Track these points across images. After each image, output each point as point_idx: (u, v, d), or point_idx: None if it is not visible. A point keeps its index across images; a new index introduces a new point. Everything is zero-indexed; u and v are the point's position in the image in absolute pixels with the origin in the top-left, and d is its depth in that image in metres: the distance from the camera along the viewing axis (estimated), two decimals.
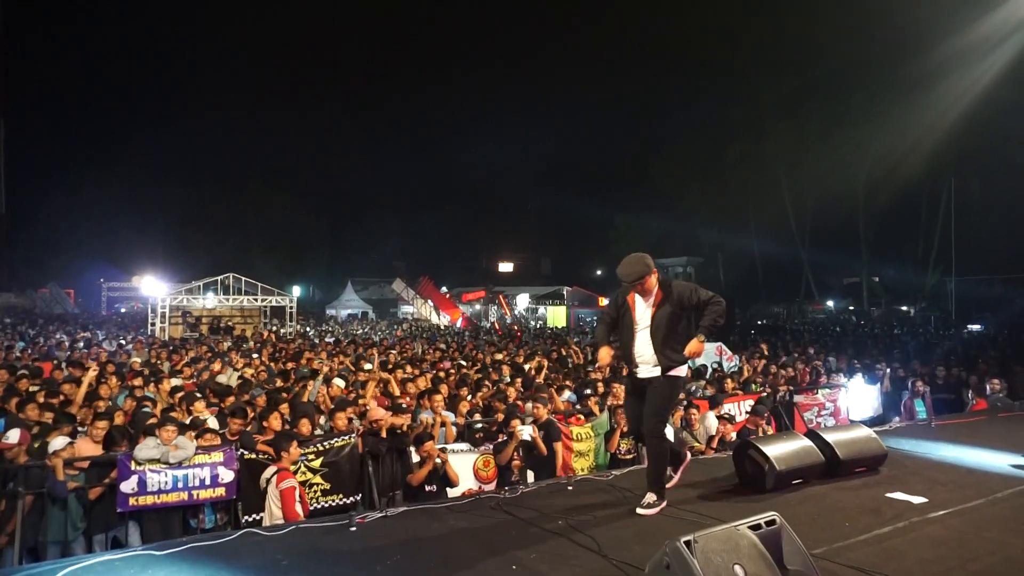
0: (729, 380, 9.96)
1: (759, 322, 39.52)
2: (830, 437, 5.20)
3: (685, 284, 4.69)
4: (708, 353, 12.79)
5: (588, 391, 8.63)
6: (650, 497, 4.41)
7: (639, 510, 4.34)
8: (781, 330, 30.95)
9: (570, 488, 4.99)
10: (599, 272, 59.87)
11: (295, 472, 5.98)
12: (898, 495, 4.62)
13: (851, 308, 46.73)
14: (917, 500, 4.50)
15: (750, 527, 2.91)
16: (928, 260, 41.00)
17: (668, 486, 4.62)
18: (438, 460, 5.92)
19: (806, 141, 40.77)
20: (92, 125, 66.24)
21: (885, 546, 3.72)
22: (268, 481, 5.61)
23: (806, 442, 5.09)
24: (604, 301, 40.79)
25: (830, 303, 48.54)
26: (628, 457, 7.27)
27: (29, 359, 13.97)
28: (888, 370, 11.55)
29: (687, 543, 2.67)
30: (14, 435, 5.88)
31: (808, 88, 40.62)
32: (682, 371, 4.63)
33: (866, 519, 4.16)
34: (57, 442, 5.74)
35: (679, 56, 49.80)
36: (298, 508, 5.40)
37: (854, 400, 10.23)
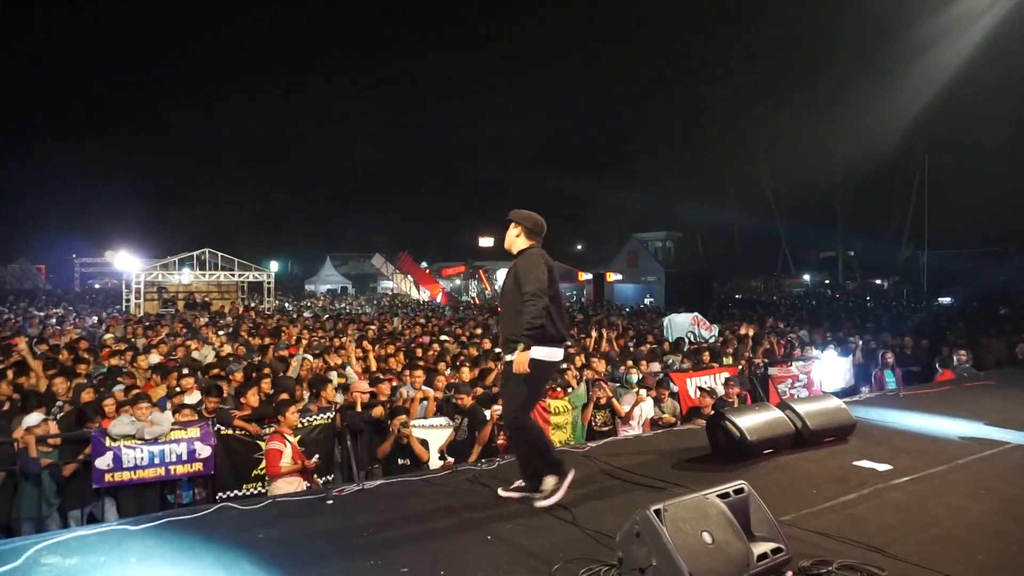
0: (707, 353, 10.08)
1: (736, 296, 39.95)
2: (801, 408, 5.31)
3: (531, 260, 4.03)
4: (683, 324, 12.93)
5: (565, 364, 8.69)
6: (548, 482, 3.95)
7: (536, 503, 3.89)
8: (758, 303, 31.34)
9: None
10: (579, 247, 60.02)
11: None
12: (864, 463, 4.74)
13: (827, 282, 47.42)
14: (882, 468, 4.62)
15: (719, 495, 2.98)
16: (901, 235, 41.65)
17: (549, 501, 3.91)
18: (400, 434, 5.94)
19: (782, 120, 41.05)
20: (64, 98, 64.52)
21: (850, 512, 3.83)
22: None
23: (778, 413, 5.20)
24: (584, 276, 40.97)
25: (807, 277, 49.21)
26: (604, 429, 7.38)
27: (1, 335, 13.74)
28: (860, 342, 11.77)
29: (657, 512, 2.71)
30: (34, 418, 5.78)
31: (784, 69, 40.79)
32: (543, 353, 3.96)
33: (833, 487, 4.27)
34: (31, 418, 5.69)
35: (658, 37, 49.63)
36: (282, 467, 5.58)
37: (827, 372, 10.43)
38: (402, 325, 17.08)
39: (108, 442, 5.79)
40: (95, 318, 20.14)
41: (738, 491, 3.06)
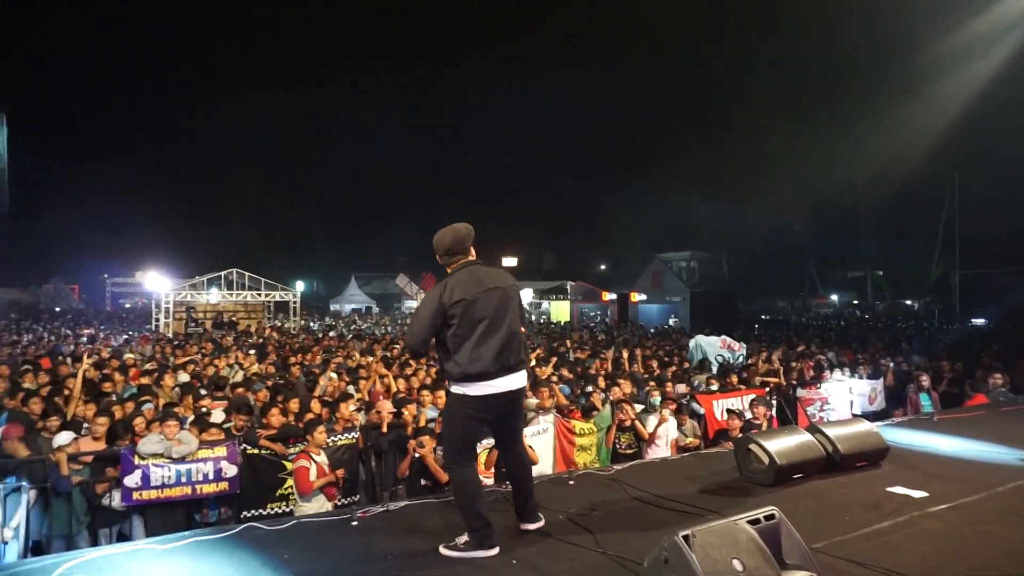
0: (734, 376, 9.96)
1: (762, 317, 39.47)
2: (831, 432, 5.20)
3: (434, 290, 3.75)
4: (713, 347, 12.77)
5: (590, 387, 8.64)
6: (463, 539, 3.59)
7: (440, 548, 3.60)
8: (784, 324, 30.95)
9: (571, 482, 5.00)
10: (602, 267, 59.90)
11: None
12: (898, 489, 4.62)
13: (855, 302, 46.70)
14: (917, 494, 4.50)
15: (749, 521, 2.92)
16: (932, 254, 40.93)
17: (449, 553, 3.56)
18: (416, 455, 5.92)
19: (809, 137, 40.75)
20: (96, 122, 66.43)
21: (884, 540, 3.73)
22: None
23: (807, 436, 5.09)
24: (608, 296, 40.79)
25: (834, 297, 48.51)
26: (629, 452, 7.29)
27: (33, 354, 14.04)
28: (892, 364, 11.54)
29: (685, 537, 2.67)
30: (65, 436, 5.87)
31: (810, 84, 40.58)
32: (456, 387, 3.64)
33: (866, 514, 4.16)
34: (61, 437, 5.78)
35: (680, 52, 49.74)
36: (313, 482, 5.71)
37: (857, 395, 10.23)
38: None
39: (137, 460, 5.86)
40: (124, 337, 20.50)
41: (769, 517, 3.00)
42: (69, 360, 11.82)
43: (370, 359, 12.28)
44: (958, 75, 32.53)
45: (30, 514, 5.60)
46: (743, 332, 22.24)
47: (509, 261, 44.84)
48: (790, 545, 3.01)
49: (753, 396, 8.84)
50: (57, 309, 40.53)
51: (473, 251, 3.87)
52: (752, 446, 4.85)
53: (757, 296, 49.00)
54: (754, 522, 2.93)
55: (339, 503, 6.08)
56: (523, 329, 3.96)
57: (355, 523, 4.04)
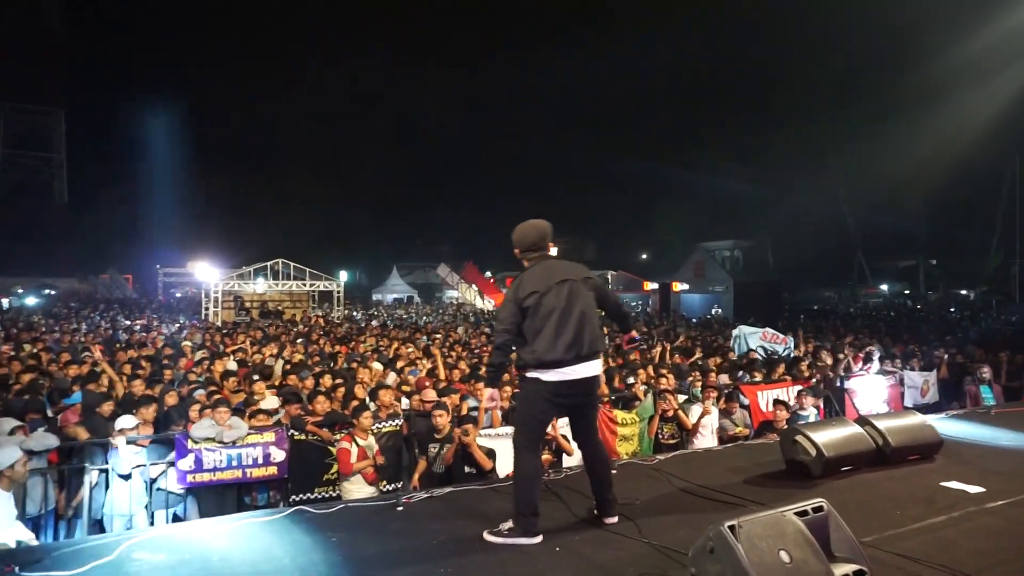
0: (781, 366, 9.77)
1: (810, 307, 38.56)
2: (881, 424, 5.07)
3: (511, 288, 3.89)
4: (755, 338, 12.55)
5: (632, 378, 8.59)
6: (508, 524, 3.65)
7: (484, 533, 3.67)
8: (832, 314, 30.23)
9: (614, 472, 4.98)
10: (644, 256, 59.30)
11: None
12: (953, 484, 4.49)
13: (906, 292, 45.32)
14: (973, 490, 4.36)
15: (796, 513, 2.87)
16: (990, 242, 39.40)
17: (492, 538, 3.62)
18: (460, 442, 5.95)
19: (859, 120, 39.49)
20: (147, 117, 68.18)
21: (938, 536, 3.63)
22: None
23: (856, 428, 4.98)
24: (649, 285, 40.44)
25: (884, 287, 47.15)
26: (672, 442, 7.23)
27: (91, 342, 14.58)
28: (946, 356, 11.18)
29: (731, 528, 2.64)
30: (127, 420, 6.12)
31: (862, 65, 39.29)
32: (529, 372, 3.74)
33: (918, 508, 4.06)
34: (123, 421, 6.00)
35: (726, 32, 48.68)
36: (353, 464, 5.85)
37: (908, 387, 9.96)
38: (467, 334, 17.24)
39: (190, 444, 6.05)
40: (176, 325, 21.14)
41: (817, 509, 2.95)
42: (125, 348, 12.26)
43: (411, 348, 12.45)
44: (1019, 56, 31.12)
45: (93, 494, 5.85)
46: (788, 323, 21.79)
47: (550, 250, 44.72)
48: (839, 538, 2.96)
49: (800, 388, 8.69)
50: (115, 298, 41.91)
51: (551, 246, 4.01)
52: (799, 437, 4.76)
53: (803, 286, 47.93)
54: (802, 514, 2.89)
55: (383, 489, 6.18)
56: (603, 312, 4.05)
57: (400, 508, 4.11)
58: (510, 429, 6.73)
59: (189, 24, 76.55)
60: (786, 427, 6.33)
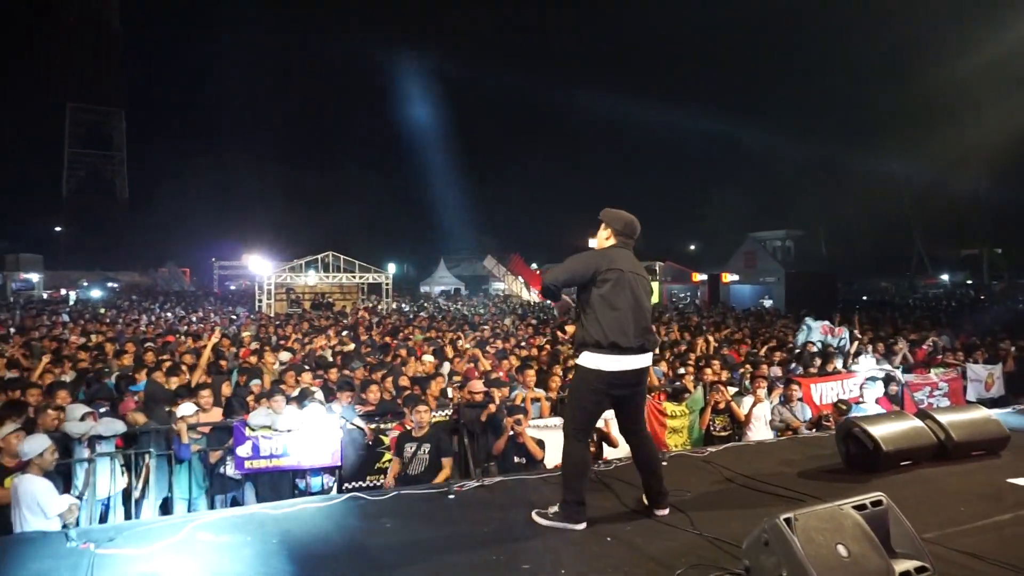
0: (836, 359, 9.53)
1: (864, 298, 37.39)
2: (943, 418, 4.91)
3: (592, 252, 3.97)
4: (814, 331, 12.23)
5: (683, 369, 8.50)
6: (555, 508, 3.72)
7: (533, 513, 3.77)
8: (889, 305, 29.30)
9: (664, 463, 4.95)
10: (692, 247, 58.40)
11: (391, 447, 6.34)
12: (1021, 481, 4.31)
13: (969, 282, 43.56)
14: None
15: (854, 507, 2.81)
16: None
17: (541, 520, 3.70)
18: (512, 432, 5.97)
19: (918, 101, 37.84)
20: (204, 117, 70.47)
21: (1005, 534, 3.50)
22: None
23: (916, 422, 4.83)
24: (698, 276, 39.84)
25: (945, 276, 45.40)
26: (723, 434, 7.15)
27: (153, 333, 15.16)
28: (1012, 348, 10.72)
29: (787, 520, 2.60)
30: (188, 408, 6.37)
31: (921, 44, 37.68)
32: (589, 360, 3.70)
33: (983, 505, 3.92)
34: (184, 408, 6.23)
35: (781, 15, 47.37)
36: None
37: (972, 381, 9.60)
38: (514, 326, 17.29)
39: (248, 432, 6.25)
40: (232, 317, 21.79)
41: (876, 503, 2.88)
42: (184, 338, 12.70)
43: (460, 338, 12.56)
44: None
45: (156, 477, 6.09)
46: (843, 315, 21.19)
47: (595, 241, 44.45)
48: (899, 533, 2.88)
49: (855, 380, 8.48)
50: (176, 289, 43.40)
51: (631, 244, 4.00)
52: (855, 430, 4.65)
53: (859, 276, 46.51)
54: (860, 507, 2.82)
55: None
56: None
57: (452, 496, 4.17)
58: (559, 420, 6.76)
59: (240, 29, 78.46)
60: (843, 419, 6.17)
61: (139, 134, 62.79)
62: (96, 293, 39.30)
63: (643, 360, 3.80)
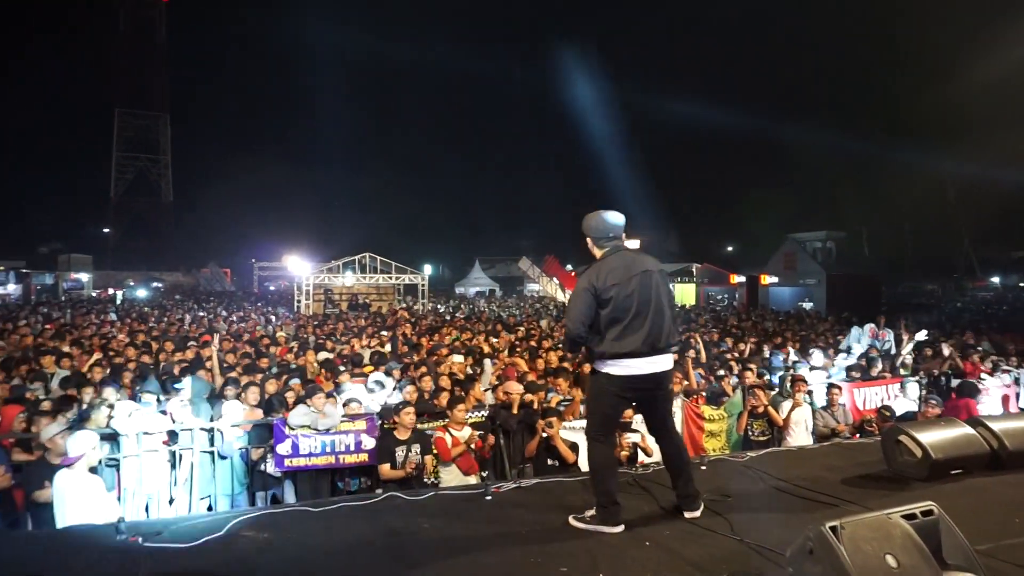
0: (880, 363, 9.30)
1: (912, 301, 36.31)
2: (997, 426, 4.73)
3: (577, 286, 3.84)
4: (865, 338, 11.95)
5: (722, 371, 8.39)
6: (591, 512, 3.69)
7: (570, 518, 3.74)
8: (936, 309, 28.48)
9: (703, 468, 4.89)
10: (730, 248, 57.56)
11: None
12: None
13: (1021, 285, 42.06)
14: None
15: (904, 516, 2.72)
16: None
17: (578, 524, 3.68)
18: (544, 434, 5.93)
19: (968, 96, 36.55)
20: (243, 120, 72.05)
21: None
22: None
23: (967, 429, 4.67)
24: (736, 278, 39.24)
25: (995, 279, 43.91)
26: (762, 439, 7.02)
27: (196, 332, 15.52)
28: None
29: (833, 528, 2.54)
30: (232, 405, 6.50)
31: (964, 40, 36.46)
32: (603, 366, 3.70)
33: None
34: (226, 406, 6.36)
35: (816, 14, 46.40)
36: (451, 450, 5.96)
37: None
38: (550, 328, 17.26)
39: (287, 430, 6.35)
40: (273, 317, 22.19)
41: (926, 512, 2.79)
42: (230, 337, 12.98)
43: (494, 340, 12.58)
44: None
45: (199, 473, 6.23)
46: (888, 318, 20.67)
47: (631, 243, 44.05)
48: (952, 545, 2.78)
49: (898, 386, 8.27)
50: (216, 290, 44.37)
51: (624, 237, 3.92)
52: (903, 437, 4.52)
53: (904, 279, 45.25)
54: (910, 517, 2.73)
55: (483, 476, 6.29)
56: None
57: (489, 497, 4.17)
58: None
59: (279, 35, 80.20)
60: (889, 426, 6.01)
61: (183, 138, 64.56)
62: (142, 293, 40.41)
63: (660, 363, 3.72)
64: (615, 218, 3.87)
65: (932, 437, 4.45)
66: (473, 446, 6.06)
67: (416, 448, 5.96)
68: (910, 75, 40.33)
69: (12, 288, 38.67)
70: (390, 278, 30.48)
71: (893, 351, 10.30)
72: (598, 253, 3.85)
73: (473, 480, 5.89)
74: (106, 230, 61.69)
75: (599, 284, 3.65)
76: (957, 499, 4.04)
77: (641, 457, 5.97)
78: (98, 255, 53.37)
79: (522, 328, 15.76)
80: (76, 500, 4.60)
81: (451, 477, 5.96)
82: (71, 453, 4.69)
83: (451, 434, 6.07)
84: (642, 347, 3.62)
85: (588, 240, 3.90)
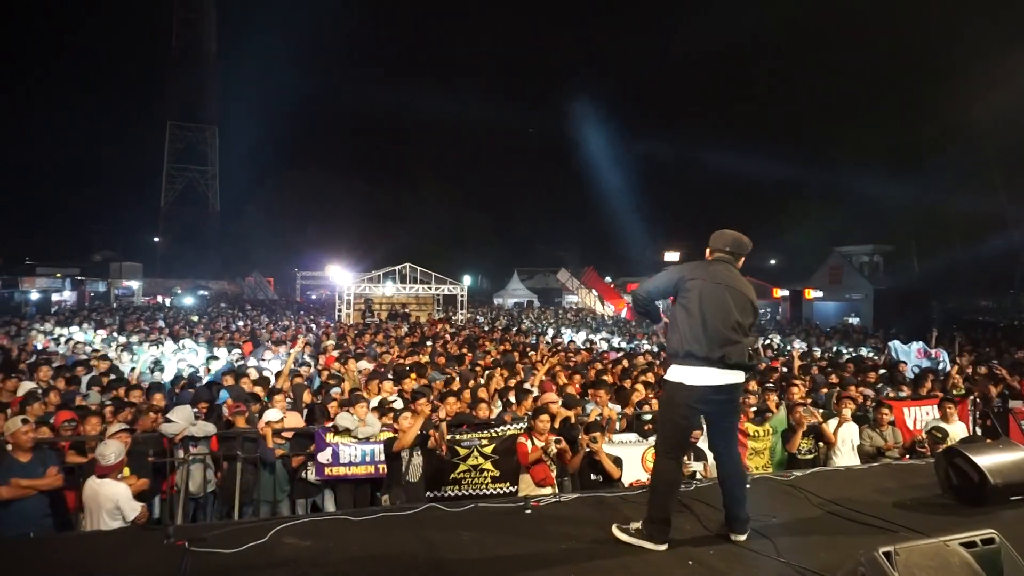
0: (928, 382, 8.99)
1: (966, 318, 35.03)
2: None
3: (682, 264, 3.98)
4: (908, 353, 11.57)
5: (770, 385, 8.20)
6: (638, 525, 3.68)
7: (614, 527, 3.75)
8: (992, 326, 27.48)
9: (747, 486, 4.78)
10: (772, 261, 56.46)
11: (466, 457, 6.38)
12: None
13: None
14: None
15: (962, 544, 2.62)
16: None
17: (621, 535, 3.67)
18: (588, 449, 5.85)
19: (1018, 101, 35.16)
20: (287, 130, 73.70)
21: None
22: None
23: None
24: (779, 292, 38.49)
25: None
26: (808, 457, 6.84)
27: (240, 340, 15.85)
28: None
29: (886, 554, 2.46)
30: (274, 413, 6.63)
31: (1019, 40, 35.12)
32: (674, 374, 3.68)
33: None
34: (271, 413, 6.46)
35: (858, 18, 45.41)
36: (529, 455, 5.90)
37: None
38: (588, 340, 17.16)
39: (328, 438, 6.42)
40: (314, 326, 22.53)
41: (987, 541, 2.68)
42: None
43: (532, 353, 12.56)
44: None
45: (243, 480, 6.33)
46: (943, 335, 20.00)
47: (671, 255, 43.71)
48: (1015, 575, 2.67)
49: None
50: (261, 298, 45.30)
51: (741, 260, 3.94)
52: (958, 460, 4.35)
53: (956, 294, 43.74)
54: (969, 545, 2.63)
55: (507, 489, 6.24)
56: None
57: (529, 511, 4.15)
58: (636, 436, 6.64)
59: (320, 52, 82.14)
60: (941, 448, 5.80)
61: (230, 150, 66.37)
62: (188, 300, 41.48)
63: (730, 376, 3.65)
64: (739, 237, 3.94)
65: (990, 460, 4.28)
66: (550, 453, 5.92)
67: (417, 451, 5.99)
68: (961, 77, 39.06)
69: (68, 295, 40.09)
70: (429, 288, 30.71)
71: (948, 370, 9.93)
72: (708, 257, 3.93)
73: (548, 492, 5.80)
74: (156, 239, 63.65)
75: (687, 274, 3.74)
76: (1017, 527, 3.87)
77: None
78: (148, 263, 55.03)
79: (560, 341, 15.69)
80: (109, 508, 4.73)
81: (525, 486, 5.89)
82: (111, 460, 4.82)
83: (533, 442, 6.00)
84: (712, 353, 3.57)
85: (708, 249, 3.96)
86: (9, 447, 5.09)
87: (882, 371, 10.49)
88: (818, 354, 14.21)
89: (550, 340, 15.99)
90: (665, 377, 3.78)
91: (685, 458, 5.40)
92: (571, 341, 15.96)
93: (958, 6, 39.26)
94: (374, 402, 7.30)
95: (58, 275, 41.88)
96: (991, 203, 40.89)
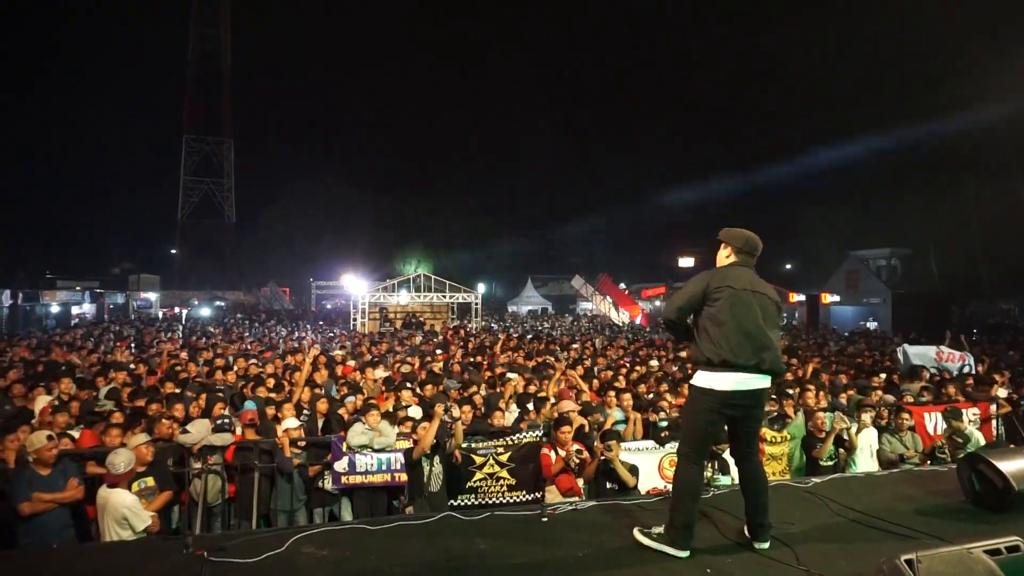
0: (951, 386, 8.86)
1: (989, 321, 34.55)
2: None
3: (705, 273, 3.87)
4: (927, 359, 11.41)
5: (790, 389, 8.12)
6: (660, 530, 3.68)
7: (635, 531, 3.77)
8: (1012, 329, 27.09)
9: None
10: (788, 266, 56.05)
11: (482, 466, 6.37)
12: None
13: None
14: None
15: (987, 551, 2.58)
16: None
17: (643, 539, 3.68)
18: (603, 457, 5.82)
19: None
20: (301, 142, 74.49)
21: None
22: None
23: None
24: (795, 297, 38.17)
25: None
26: (828, 463, 6.76)
27: (256, 349, 15.97)
28: None
29: (908, 562, 2.43)
30: (292, 422, 6.66)
31: None
32: (702, 379, 3.64)
33: None
34: (288, 422, 6.49)
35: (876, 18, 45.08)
36: (552, 466, 5.88)
37: None
38: (602, 347, 17.11)
39: (345, 448, 6.44)
40: (330, 335, 22.64)
41: (1012, 548, 2.64)
42: (284, 355, 13.30)
43: (548, 358, 12.53)
44: None
45: (260, 489, 6.37)
46: (957, 339, 19.70)
47: (686, 261, 43.49)
48: None
49: (976, 411, 7.87)
50: (276, 308, 45.59)
51: (752, 261, 3.91)
52: (981, 466, 4.28)
53: (975, 298, 43.17)
54: (993, 552, 2.59)
55: (524, 497, 6.23)
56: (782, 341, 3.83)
57: (545, 520, 4.14)
58: (652, 444, 6.61)
59: (335, 63, 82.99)
60: (963, 453, 5.73)
61: (245, 162, 67.12)
62: (205, 311, 41.83)
63: (759, 381, 3.62)
64: (752, 236, 3.91)
65: (1014, 466, 4.20)
66: (573, 464, 5.89)
67: (436, 459, 6.08)
68: (980, 75, 38.65)
69: (87, 307, 40.54)
70: (444, 296, 30.79)
71: (973, 372, 9.78)
72: (727, 259, 3.86)
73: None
74: (173, 251, 64.36)
75: (714, 283, 3.68)
76: None
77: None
78: (165, 275, 55.63)
79: (576, 347, 15.66)
80: (118, 518, 4.78)
81: (552, 497, 5.86)
82: (121, 470, 4.87)
83: (556, 452, 5.99)
84: (741, 360, 3.55)
85: (727, 248, 3.89)
86: (31, 459, 5.15)
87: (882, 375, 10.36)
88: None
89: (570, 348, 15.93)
90: (692, 383, 3.74)
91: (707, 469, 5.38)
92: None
93: (983, 3, 38.91)
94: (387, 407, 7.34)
95: (78, 288, 42.37)
96: (1012, 205, 40.36)
